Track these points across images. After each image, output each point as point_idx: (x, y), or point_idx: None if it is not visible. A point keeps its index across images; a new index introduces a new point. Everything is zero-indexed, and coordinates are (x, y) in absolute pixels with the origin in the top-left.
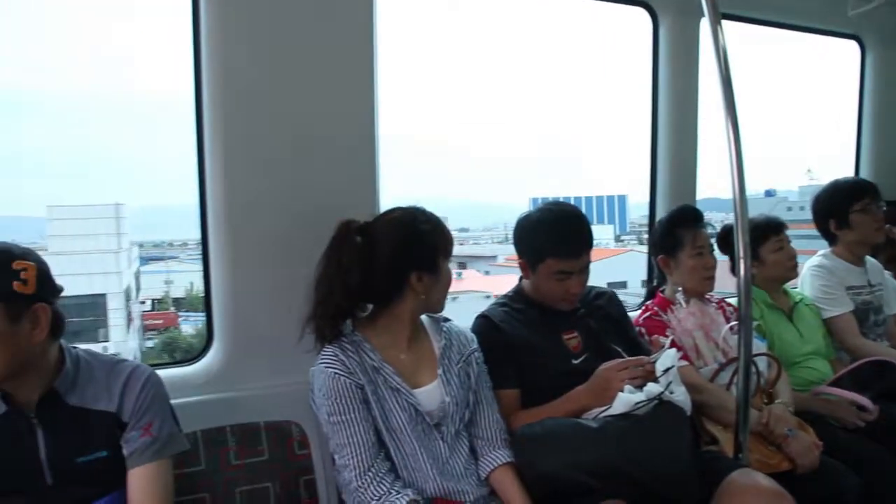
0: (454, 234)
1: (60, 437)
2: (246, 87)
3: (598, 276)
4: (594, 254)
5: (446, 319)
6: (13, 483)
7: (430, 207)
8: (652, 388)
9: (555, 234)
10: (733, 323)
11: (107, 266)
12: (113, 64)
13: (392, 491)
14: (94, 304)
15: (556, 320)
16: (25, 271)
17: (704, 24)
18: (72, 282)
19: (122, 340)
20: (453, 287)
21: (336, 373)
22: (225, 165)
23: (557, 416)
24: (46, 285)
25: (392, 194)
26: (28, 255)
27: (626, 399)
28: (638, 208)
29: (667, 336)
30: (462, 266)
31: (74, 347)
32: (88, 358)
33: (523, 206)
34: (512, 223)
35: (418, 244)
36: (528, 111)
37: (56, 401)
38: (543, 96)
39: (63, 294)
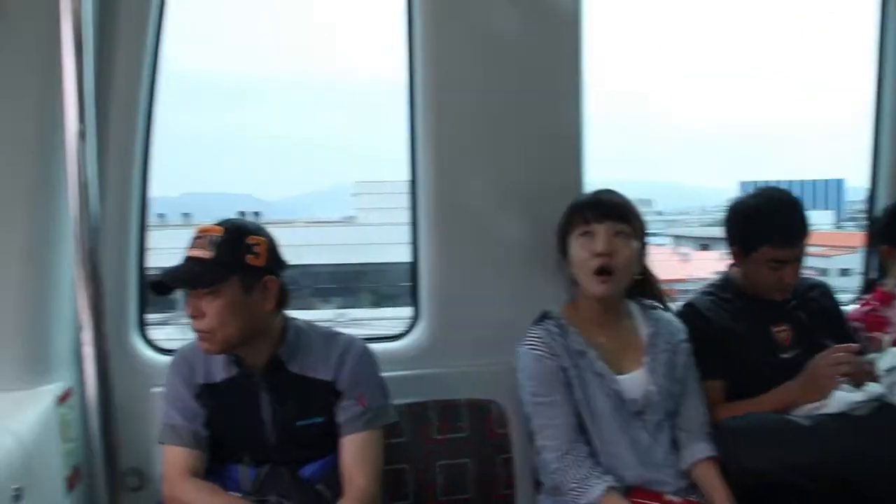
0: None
1: (282, 400)
2: (455, 69)
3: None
4: (846, 240)
5: (654, 307)
6: (240, 439)
7: (630, 189)
8: (873, 388)
9: (771, 221)
10: None
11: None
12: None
13: (591, 475)
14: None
15: (765, 311)
16: (258, 245)
17: None
18: (383, 251)
19: None
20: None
21: (540, 355)
22: (435, 147)
23: (763, 411)
24: (275, 259)
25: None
26: (260, 230)
27: (844, 398)
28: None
29: (888, 333)
30: (705, 247)
31: (295, 319)
32: (308, 329)
33: (727, 190)
34: (709, 206)
35: (558, 229)
36: (733, 84)
37: (279, 367)
38: (752, 67)
39: (384, 261)
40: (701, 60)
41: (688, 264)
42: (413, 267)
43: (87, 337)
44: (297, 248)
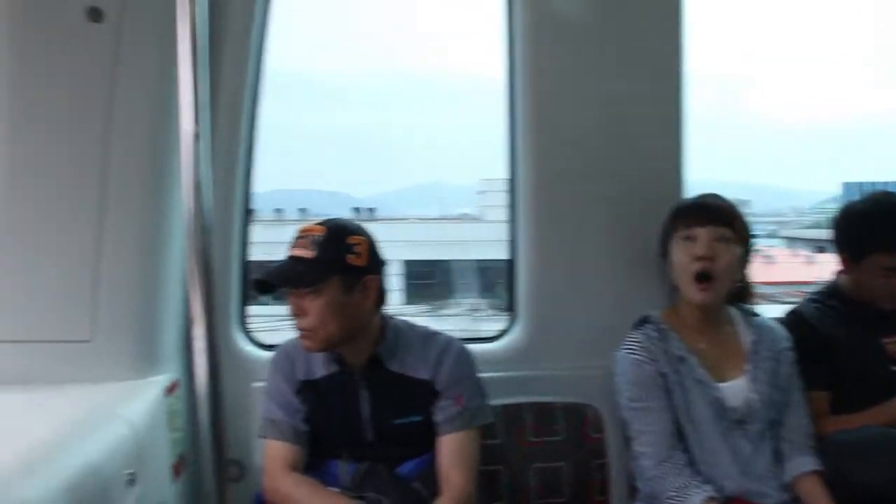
0: None
1: (381, 398)
2: (555, 67)
3: None
4: None
5: (756, 314)
6: (339, 436)
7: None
8: None
9: (882, 227)
10: None
11: None
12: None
13: (690, 484)
14: None
15: (875, 321)
16: (359, 245)
17: None
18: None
19: None
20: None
21: (639, 359)
22: (535, 145)
23: (874, 425)
24: (375, 259)
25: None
26: (360, 230)
27: None
28: None
29: None
30: (821, 250)
31: (392, 318)
32: (406, 328)
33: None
34: (805, 208)
35: (661, 233)
36: (833, 77)
37: (378, 366)
38: (856, 59)
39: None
40: (798, 55)
41: (812, 267)
42: (511, 267)
43: (198, 332)
44: (426, 244)
